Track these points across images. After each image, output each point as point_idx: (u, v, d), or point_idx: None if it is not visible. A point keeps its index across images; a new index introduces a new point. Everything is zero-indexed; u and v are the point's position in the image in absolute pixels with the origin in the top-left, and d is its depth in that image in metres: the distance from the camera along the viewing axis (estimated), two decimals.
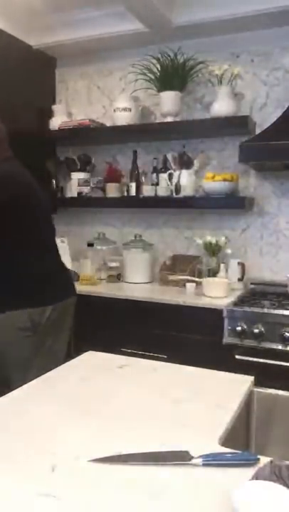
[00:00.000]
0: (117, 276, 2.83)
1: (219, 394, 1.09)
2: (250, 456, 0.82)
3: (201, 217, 2.92)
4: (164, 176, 2.80)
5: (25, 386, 1.14)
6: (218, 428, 0.92)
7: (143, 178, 2.93)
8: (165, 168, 2.85)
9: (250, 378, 1.18)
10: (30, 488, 0.73)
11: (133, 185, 2.89)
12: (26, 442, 0.87)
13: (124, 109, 2.89)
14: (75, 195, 3.13)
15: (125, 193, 2.96)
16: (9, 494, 0.72)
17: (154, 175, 2.86)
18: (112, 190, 2.99)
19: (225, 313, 2.24)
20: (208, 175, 2.73)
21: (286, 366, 2.10)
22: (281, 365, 2.09)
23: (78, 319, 2.68)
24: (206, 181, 2.69)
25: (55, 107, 3.22)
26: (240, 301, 2.35)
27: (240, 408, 1.04)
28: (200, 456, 0.80)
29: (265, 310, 2.20)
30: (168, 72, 2.76)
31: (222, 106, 2.66)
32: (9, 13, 2.78)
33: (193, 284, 2.54)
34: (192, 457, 0.80)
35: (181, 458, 0.80)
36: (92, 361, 1.34)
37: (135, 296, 2.48)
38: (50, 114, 3.20)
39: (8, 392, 1.09)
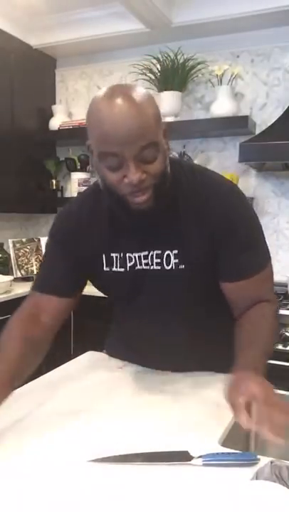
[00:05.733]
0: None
1: (219, 394, 1.09)
2: (250, 456, 0.82)
3: None
4: None
5: (25, 386, 1.14)
6: (218, 428, 0.92)
7: None
8: None
9: None
10: (30, 489, 0.73)
11: None
12: (26, 442, 0.87)
13: None
14: (75, 195, 3.13)
15: None
16: (9, 495, 0.72)
17: None
18: None
19: None
20: None
21: (286, 366, 2.10)
22: (281, 365, 2.09)
23: (78, 319, 2.68)
24: None
25: (55, 107, 3.23)
26: None
27: None
28: (200, 456, 0.80)
29: None
30: (168, 72, 2.76)
31: (222, 106, 2.66)
32: (9, 13, 2.78)
33: None
34: (192, 457, 0.80)
35: (181, 458, 0.80)
36: (92, 361, 1.33)
37: None
38: (50, 114, 3.21)
39: None
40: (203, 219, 1.01)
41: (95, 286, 1.18)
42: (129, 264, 1.07)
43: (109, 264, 1.09)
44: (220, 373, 1.20)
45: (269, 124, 2.56)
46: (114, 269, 1.08)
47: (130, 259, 1.07)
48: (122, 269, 1.07)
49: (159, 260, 1.05)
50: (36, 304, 1.12)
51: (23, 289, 2.68)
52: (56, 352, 2.33)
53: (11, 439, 0.88)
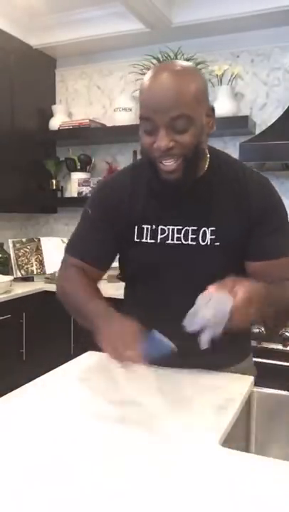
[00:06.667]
0: (117, 276, 2.82)
1: (219, 394, 1.09)
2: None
3: None
4: None
5: (25, 386, 1.14)
6: (218, 428, 0.92)
7: None
8: None
9: (250, 378, 1.18)
10: (33, 485, 0.73)
11: None
12: (27, 441, 0.87)
13: (124, 109, 2.90)
14: (75, 195, 3.14)
15: None
16: (11, 493, 0.72)
17: None
18: None
19: None
20: None
21: (286, 366, 2.10)
22: (281, 365, 2.09)
23: None
24: None
25: (55, 107, 3.23)
26: None
27: (240, 408, 1.04)
28: None
29: None
30: None
31: (222, 106, 2.66)
32: (9, 13, 2.78)
33: None
34: None
35: None
36: (92, 361, 1.33)
37: None
38: (50, 114, 3.21)
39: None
40: (242, 201, 1.08)
41: (122, 262, 1.25)
42: (160, 236, 1.11)
43: (140, 235, 1.12)
44: (221, 372, 1.20)
45: (269, 124, 2.56)
46: (143, 240, 1.12)
47: (163, 231, 1.11)
48: (153, 241, 1.11)
49: (194, 236, 1.09)
50: (80, 267, 1.20)
51: (23, 289, 2.68)
52: (56, 352, 2.34)
53: (11, 438, 0.88)
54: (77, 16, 2.85)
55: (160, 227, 1.11)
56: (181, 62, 1.04)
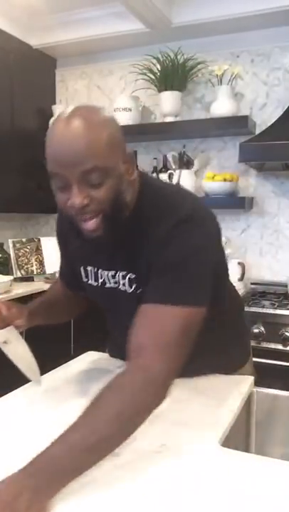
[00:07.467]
0: None
1: (219, 394, 1.09)
2: None
3: None
4: (164, 176, 2.80)
5: (25, 386, 1.14)
6: (218, 428, 0.92)
7: None
8: (165, 168, 2.85)
9: (251, 378, 1.18)
10: None
11: None
12: (26, 441, 0.87)
13: (125, 109, 2.89)
14: None
15: None
16: None
17: (154, 175, 2.87)
18: None
19: None
20: (208, 175, 2.73)
21: (286, 366, 2.10)
22: (281, 365, 2.09)
23: (78, 319, 2.69)
24: (206, 181, 2.70)
25: (55, 107, 3.22)
26: None
27: (240, 408, 1.04)
28: None
29: (265, 310, 2.20)
30: (168, 72, 2.76)
31: (222, 106, 2.66)
32: (9, 13, 2.78)
33: None
34: None
35: None
36: (92, 361, 1.33)
37: None
38: (50, 114, 3.20)
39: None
40: (149, 243, 0.94)
41: None
42: (100, 280, 1.07)
43: (86, 276, 1.11)
44: (219, 374, 1.20)
45: (269, 124, 2.56)
46: (89, 281, 1.10)
47: (101, 275, 1.06)
48: (96, 284, 1.08)
49: (124, 281, 1.02)
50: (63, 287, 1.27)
51: (23, 289, 2.68)
52: (56, 352, 2.34)
53: (11, 438, 0.88)
54: (77, 16, 2.84)
55: (100, 270, 1.06)
56: (88, 109, 0.89)
